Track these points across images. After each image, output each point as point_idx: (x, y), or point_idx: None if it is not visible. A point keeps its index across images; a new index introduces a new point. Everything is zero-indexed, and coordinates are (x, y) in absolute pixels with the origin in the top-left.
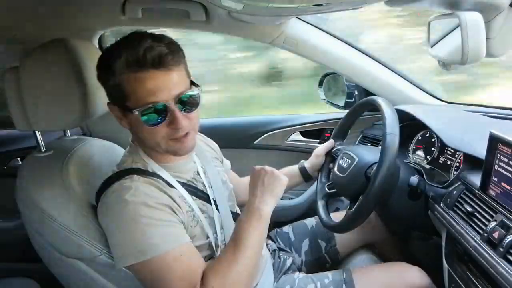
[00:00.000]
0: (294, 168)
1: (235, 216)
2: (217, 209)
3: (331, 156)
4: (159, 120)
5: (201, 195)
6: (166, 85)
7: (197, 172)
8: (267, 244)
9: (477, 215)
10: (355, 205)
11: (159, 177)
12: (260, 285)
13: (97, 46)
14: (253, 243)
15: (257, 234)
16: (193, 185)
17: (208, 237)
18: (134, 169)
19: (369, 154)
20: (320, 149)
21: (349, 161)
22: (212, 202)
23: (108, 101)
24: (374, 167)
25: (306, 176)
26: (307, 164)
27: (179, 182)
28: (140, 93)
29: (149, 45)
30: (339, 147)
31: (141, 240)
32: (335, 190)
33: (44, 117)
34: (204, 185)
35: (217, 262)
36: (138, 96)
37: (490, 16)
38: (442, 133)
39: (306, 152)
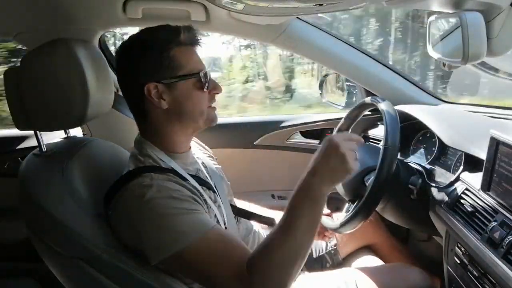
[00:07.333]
0: None
1: (234, 209)
2: (221, 200)
3: None
4: (213, 82)
5: (209, 186)
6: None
7: (200, 164)
8: None
9: (478, 215)
10: (353, 209)
11: (173, 171)
12: None
13: (97, 46)
14: (303, 227)
15: (308, 218)
16: (200, 176)
17: (220, 225)
18: (149, 167)
19: (369, 157)
20: None
21: None
22: (218, 193)
23: (147, 82)
24: (372, 175)
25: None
26: None
27: (189, 174)
28: (192, 62)
29: (195, 31)
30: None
31: (173, 231)
32: (335, 188)
33: (44, 117)
34: (207, 177)
35: (263, 244)
36: (192, 65)
37: (490, 15)
38: (442, 133)
39: (307, 152)
